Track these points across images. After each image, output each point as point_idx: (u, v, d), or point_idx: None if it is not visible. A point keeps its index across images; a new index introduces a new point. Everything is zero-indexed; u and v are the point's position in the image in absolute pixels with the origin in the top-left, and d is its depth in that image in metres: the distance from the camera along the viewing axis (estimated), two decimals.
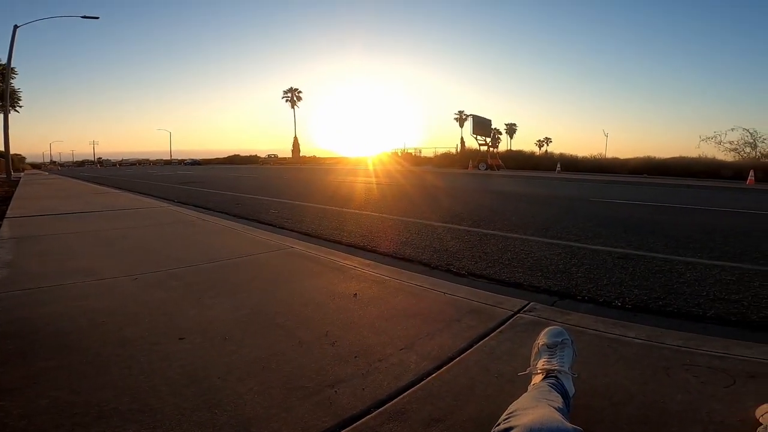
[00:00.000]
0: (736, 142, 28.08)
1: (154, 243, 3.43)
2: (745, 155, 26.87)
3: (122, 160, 63.63)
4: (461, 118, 60.56)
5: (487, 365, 1.37)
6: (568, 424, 0.65)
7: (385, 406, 1.16)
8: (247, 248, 3.13)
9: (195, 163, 57.50)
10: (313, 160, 55.09)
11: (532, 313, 1.81)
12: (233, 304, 1.93)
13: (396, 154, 38.98)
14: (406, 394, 1.22)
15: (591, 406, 1.13)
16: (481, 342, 1.55)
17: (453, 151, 35.46)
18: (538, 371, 1.10)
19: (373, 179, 13.63)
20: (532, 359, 1.20)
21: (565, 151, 42.17)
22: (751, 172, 16.97)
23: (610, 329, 1.64)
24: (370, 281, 2.30)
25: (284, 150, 62.93)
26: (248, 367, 1.36)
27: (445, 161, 32.51)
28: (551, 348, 1.16)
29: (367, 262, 2.75)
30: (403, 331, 1.66)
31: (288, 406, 1.16)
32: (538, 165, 28.18)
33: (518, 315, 1.78)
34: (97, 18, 18.09)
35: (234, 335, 1.60)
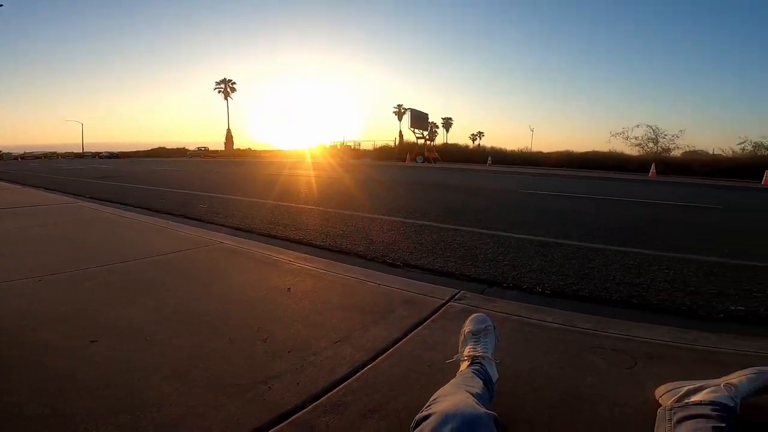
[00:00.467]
0: (640, 138, 31.60)
1: (64, 242, 3.10)
2: (648, 150, 30.33)
3: (25, 153, 56.11)
4: (400, 112, 61.30)
5: (420, 354, 1.41)
6: (482, 409, 0.68)
7: (320, 400, 1.16)
8: (173, 245, 2.93)
9: (112, 156, 51.94)
10: (248, 153, 52.80)
11: (462, 302, 1.89)
12: (156, 304, 1.81)
13: (335, 146, 38.61)
14: (341, 386, 1.23)
15: (515, 392, 1.19)
16: (414, 332, 1.59)
17: (391, 144, 35.96)
18: (464, 358, 1.15)
19: (311, 172, 13.35)
20: (459, 347, 1.25)
21: (496, 144, 44.77)
22: (653, 166, 19.19)
23: (532, 315, 1.76)
24: (304, 275, 2.27)
25: (217, 143, 59.60)
26: (174, 368, 1.29)
27: (383, 154, 32.92)
28: (476, 335, 1.21)
29: (303, 255, 2.71)
30: (338, 323, 1.66)
31: (218, 404, 1.12)
32: (472, 158, 29.57)
33: (449, 304, 1.86)
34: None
35: (157, 335, 1.50)
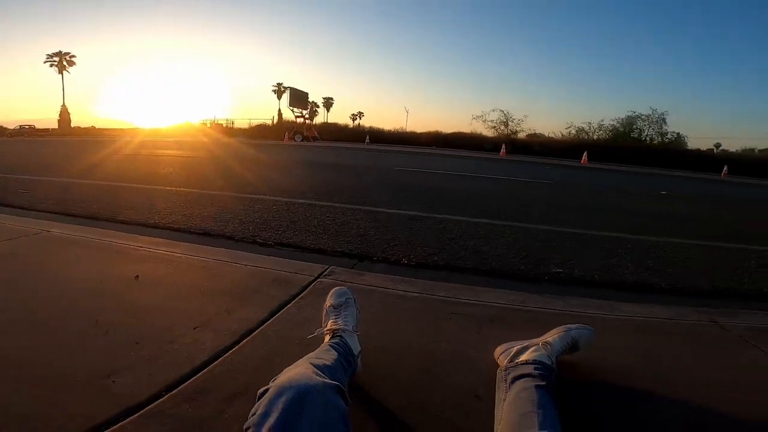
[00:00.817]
0: (495, 121, 35.97)
1: None
2: (501, 132, 34.72)
3: None
4: (279, 91, 58.13)
5: (287, 333, 1.39)
6: (319, 380, 0.68)
7: (179, 388, 1.08)
8: None
9: None
10: (92, 132, 43.95)
11: (331, 277, 1.91)
12: None
13: (204, 125, 34.89)
14: (202, 373, 1.15)
15: (380, 363, 1.25)
16: (282, 311, 1.56)
17: (269, 122, 34.11)
18: (326, 332, 1.16)
19: (174, 151, 11.77)
20: (322, 321, 1.25)
21: (375, 124, 46.09)
22: (503, 146, 22.07)
23: (396, 286, 1.86)
24: (157, 261, 2.03)
25: (50, 120, 48.17)
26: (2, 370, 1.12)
27: (260, 133, 30.97)
28: (336, 308, 1.22)
29: (157, 240, 2.41)
30: (197, 309, 1.53)
31: (55, 402, 1.00)
32: (351, 137, 29.99)
33: (318, 280, 1.86)
34: None
35: None
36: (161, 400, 1.03)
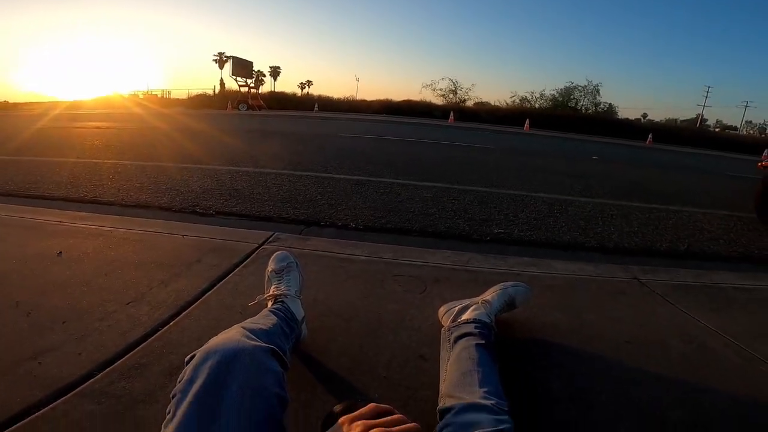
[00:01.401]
0: (444, 90, 36.23)
1: None
2: (449, 100, 35.07)
3: None
4: (221, 60, 53.69)
5: (230, 303, 1.33)
6: (250, 342, 0.63)
7: (113, 366, 1.01)
8: None
9: None
10: (6, 106, 37.94)
11: (276, 244, 1.84)
12: None
13: (136, 96, 31.68)
14: (139, 348, 1.08)
15: (327, 326, 1.24)
16: (224, 280, 1.49)
17: (210, 92, 31.71)
18: (267, 298, 1.11)
19: (101, 123, 10.46)
20: (265, 288, 1.21)
21: (324, 93, 44.49)
22: (452, 113, 22.30)
23: (343, 250, 1.84)
24: (83, 235, 1.85)
25: None
26: None
27: (200, 103, 28.68)
28: (278, 273, 1.18)
29: (82, 215, 2.19)
30: (130, 283, 1.42)
31: None
32: (300, 105, 28.77)
33: (262, 247, 1.79)
34: None
35: None
36: (95, 378, 0.96)
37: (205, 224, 2.18)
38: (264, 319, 0.90)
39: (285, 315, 0.98)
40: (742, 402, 0.99)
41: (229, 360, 0.59)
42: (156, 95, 32.59)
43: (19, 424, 0.82)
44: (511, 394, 0.89)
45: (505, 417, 0.76)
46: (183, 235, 1.89)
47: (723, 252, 2.43)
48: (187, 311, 1.27)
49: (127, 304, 1.29)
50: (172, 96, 32.70)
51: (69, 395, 0.91)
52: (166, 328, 1.18)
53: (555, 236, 2.47)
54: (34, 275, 1.46)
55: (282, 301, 1.06)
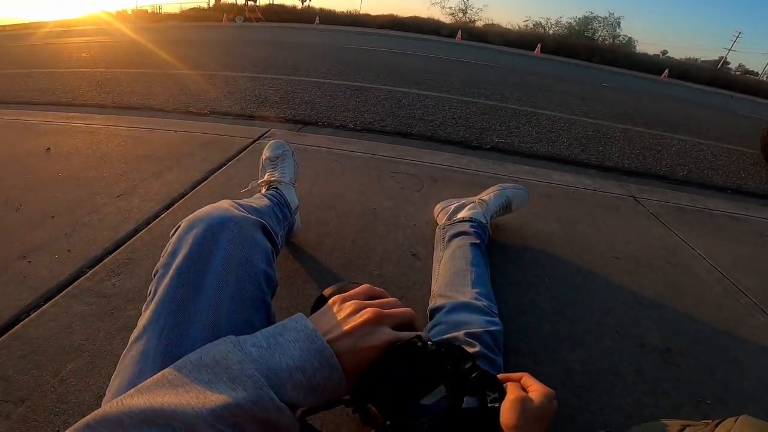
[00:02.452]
0: (453, 8, 33.41)
1: None
2: (458, 19, 32.46)
3: None
4: None
5: (224, 194, 1.26)
6: (237, 212, 0.55)
7: (102, 262, 0.96)
8: None
9: None
10: None
11: (271, 138, 1.73)
12: None
13: (125, 12, 28.55)
14: (129, 243, 1.03)
15: (321, 220, 1.19)
16: (219, 171, 1.41)
17: (204, 5, 28.71)
18: (261, 184, 1.03)
19: (90, 37, 9.49)
20: (258, 176, 1.12)
21: (325, 6, 40.69)
22: (459, 32, 20.64)
23: (341, 146, 1.74)
24: (72, 132, 1.72)
25: None
26: None
27: (194, 17, 26.13)
28: (273, 161, 1.09)
29: (71, 114, 2.02)
30: (119, 176, 1.34)
31: None
32: (300, 18, 26.41)
33: (258, 141, 1.68)
34: None
35: None
36: (84, 276, 0.91)
37: (197, 122, 2.04)
38: (256, 200, 0.82)
39: (278, 200, 0.90)
40: (719, 334, 0.98)
41: (215, 229, 0.51)
42: (146, 10, 29.51)
43: (8, 333, 0.77)
44: (500, 299, 0.86)
45: (496, 319, 0.74)
46: (175, 131, 1.77)
47: (720, 182, 2.35)
48: (179, 203, 1.21)
49: (117, 197, 1.22)
50: (164, 11, 29.68)
51: (58, 297, 0.86)
52: (157, 220, 1.12)
53: (555, 150, 2.36)
54: (23, 171, 1.37)
55: (276, 188, 0.98)
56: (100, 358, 0.72)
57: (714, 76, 21.67)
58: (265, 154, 1.13)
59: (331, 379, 0.35)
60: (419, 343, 0.38)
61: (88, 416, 0.29)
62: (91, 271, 0.93)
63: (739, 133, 4.24)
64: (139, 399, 0.31)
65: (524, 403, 0.50)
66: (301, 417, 0.39)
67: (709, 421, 0.61)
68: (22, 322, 0.79)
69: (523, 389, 0.53)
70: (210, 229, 0.50)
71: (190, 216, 0.54)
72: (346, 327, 0.37)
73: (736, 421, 0.57)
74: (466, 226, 1.00)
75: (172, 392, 0.31)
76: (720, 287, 1.16)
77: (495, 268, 1.00)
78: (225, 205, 0.58)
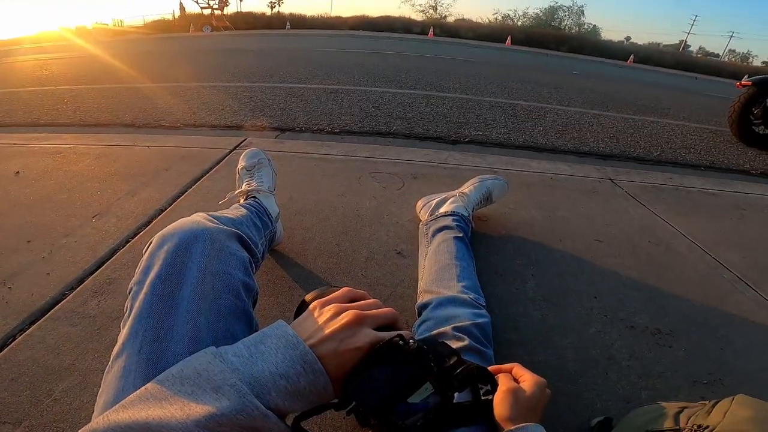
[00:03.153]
0: (424, 5, 33.59)
1: None
2: (429, 15, 32.66)
3: None
4: None
5: (203, 207, 1.21)
6: (210, 224, 0.54)
7: (84, 284, 0.93)
8: None
9: None
10: None
11: (248, 148, 1.71)
12: None
13: (84, 28, 27.66)
14: (109, 262, 1.00)
15: (303, 225, 1.17)
16: (196, 185, 1.37)
17: (169, 17, 28.07)
18: (239, 195, 1.01)
19: (48, 54, 9.13)
20: (236, 186, 1.10)
21: (295, 11, 40.44)
22: (431, 28, 20.77)
23: (319, 150, 1.72)
24: (41, 154, 1.65)
25: None
26: None
27: (159, 29, 25.55)
28: (249, 170, 1.07)
29: (38, 135, 1.95)
30: (95, 197, 1.30)
31: None
32: (270, 24, 26.12)
33: (234, 151, 1.65)
34: None
35: None
36: (67, 299, 0.89)
37: (171, 135, 1.99)
38: (232, 211, 0.80)
39: (257, 210, 0.88)
40: (707, 311, 0.99)
41: (188, 242, 0.49)
42: (106, 26, 28.62)
43: None
44: (487, 290, 0.86)
45: (483, 311, 0.73)
46: (148, 146, 1.72)
47: (693, 160, 2.41)
48: (156, 219, 1.18)
49: (93, 217, 1.19)
50: (126, 25, 28.83)
51: (42, 320, 0.84)
52: (136, 238, 1.09)
53: (532, 139, 2.39)
54: None
55: (254, 197, 0.95)
56: (91, 377, 0.71)
57: (677, 60, 22.43)
58: (241, 163, 1.10)
59: (316, 383, 0.34)
60: (401, 342, 0.38)
61: None
62: (73, 293, 0.91)
63: (707, 113, 4.37)
64: (124, 414, 0.30)
65: (516, 393, 0.50)
66: (295, 423, 0.38)
67: (706, 402, 0.61)
68: (9, 346, 0.78)
69: (515, 380, 0.54)
70: (183, 243, 0.49)
71: (161, 231, 0.52)
72: (328, 331, 0.37)
73: (732, 401, 0.58)
74: (448, 221, 1.00)
75: (156, 406, 0.30)
76: (703, 263, 1.18)
77: (480, 259, 1.00)
78: (197, 218, 0.57)
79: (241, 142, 1.75)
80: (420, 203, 1.18)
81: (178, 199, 1.29)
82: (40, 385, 0.70)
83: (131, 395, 0.32)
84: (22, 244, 1.07)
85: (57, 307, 0.87)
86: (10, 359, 0.75)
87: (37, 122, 2.47)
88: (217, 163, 1.54)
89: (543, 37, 23.42)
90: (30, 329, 0.81)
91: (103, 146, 1.75)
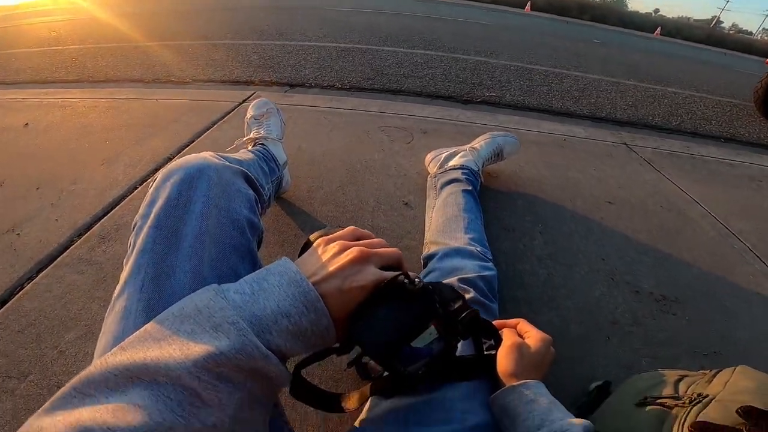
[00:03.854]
0: None
1: None
2: None
3: None
4: None
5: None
6: (217, 161, 0.50)
7: (92, 230, 0.93)
8: None
9: None
10: None
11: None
12: None
13: None
14: (117, 208, 0.99)
15: (311, 175, 1.15)
16: (204, 135, 1.35)
17: None
18: (246, 142, 0.98)
19: (56, 17, 8.92)
20: (244, 134, 1.09)
21: None
22: None
23: (329, 104, 1.68)
24: (50, 108, 1.63)
25: None
26: None
27: None
28: (258, 119, 1.04)
29: (47, 90, 1.91)
30: (102, 146, 1.29)
31: None
32: None
33: (243, 104, 1.60)
34: None
35: None
36: (74, 245, 0.89)
37: (180, 89, 1.95)
38: (240, 154, 0.78)
39: (264, 155, 0.86)
40: (714, 280, 0.96)
41: (193, 176, 0.46)
42: None
43: (5, 308, 0.75)
44: (494, 246, 0.84)
45: (490, 264, 0.71)
46: (156, 99, 1.68)
47: (714, 131, 2.30)
48: (165, 167, 1.17)
49: (101, 164, 1.18)
50: None
51: (50, 267, 0.84)
52: (144, 185, 1.08)
53: (547, 103, 2.29)
54: (2, 147, 1.31)
55: (262, 144, 0.93)
56: (97, 327, 0.70)
57: (707, 34, 21.09)
58: (250, 113, 1.08)
59: (319, 323, 0.32)
60: (405, 280, 0.35)
61: (74, 378, 0.27)
62: (81, 239, 0.90)
63: (732, 87, 4.14)
64: (122, 356, 0.28)
65: (521, 349, 0.48)
66: (295, 371, 0.36)
67: (707, 372, 0.60)
68: (17, 296, 0.77)
69: (520, 336, 0.52)
70: (188, 178, 0.46)
71: (167, 166, 0.50)
72: (332, 268, 0.34)
73: (734, 371, 0.57)
74: (457, 174, 0.97)
75: (155, 346, 0.28)
76: (714, 231, 1.14)
77: (488, 214, 0.98)
78: (204, 155, 0.54)
79: (250, 96, 1.70)
80: (429, 156, 1.15)
81: (186, 147, 1.27)
82: (46, 337, 0.69)
83: (131, 336, 0.30)
84: (31, 191, 1.07)
85: (65, 254, 0.87)
86: (18, 310, 0.75)
87: (46, 80, 2.42)
88: (226, 115, 1.50)
89: (565, 3, 22.17)
90: (37, 277, 0.81)
91: (111, 99, 1.71)
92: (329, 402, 0.43)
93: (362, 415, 0.49)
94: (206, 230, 0.44)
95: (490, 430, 0.45)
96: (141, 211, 0.46)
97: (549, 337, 0.51)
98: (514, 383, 0.45)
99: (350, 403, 0.44)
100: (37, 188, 1.08)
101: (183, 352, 0.27)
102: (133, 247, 0.43)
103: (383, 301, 0.34)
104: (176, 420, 0.25)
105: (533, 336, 0.50)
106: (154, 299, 0.38)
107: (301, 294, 0.31)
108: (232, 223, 0.47)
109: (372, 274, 0.35)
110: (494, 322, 0.54)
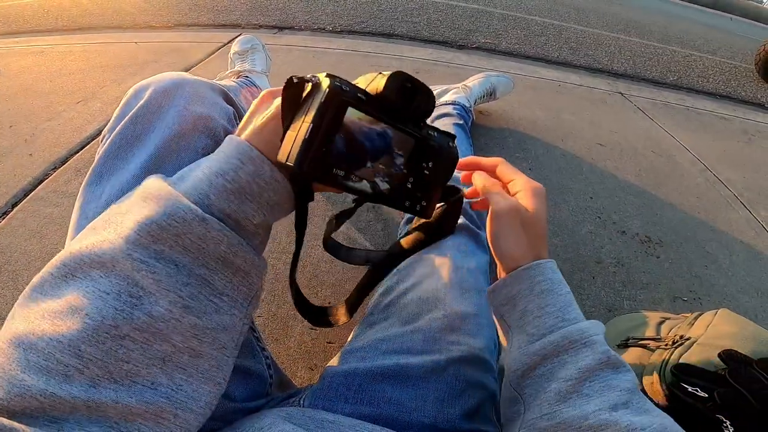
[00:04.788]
0: None
1: None
2: None
3: None
4: None
5: None
6: (194, 78, 0.43)
7: (67, 163, 0.89)
8: None
9: None
10: None
11: None
12: None
13: None
14: (94, 142, 0.96)
15: None
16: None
17: None
18: (230, 74, 0.92)
19: None
20: (228, 69, 1.02)
21: None
22: None
23: (318, 44, 1.60)
24: (22, 54, 1.51)
25: None
26: None
27: None
28: (242, 54, 0.98)
29: (19, 39, 1.76)
30: (78, 85, 1.21)
31: None
32: None
33: (228, 45, 1.50)
34: None
35: None
36: (49, 179, 0.85)
37: (162, 32, 1.82)
38: (222, 82, 0.74)
39: (248, 85, 0.82)
40: (698, 225, 0.95)
41: (169, 88, 0.41)
42: None
43: None
44: None
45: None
46: (136, 42, 1.57)
47: (710, 88, 2.21)
48: None
49: (77, 102, 1.11)
50: None
51: (24, 201, 0.80)
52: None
53: (543, 52, 2.19)
54: None
55: (246, 76, 0.88)
56: None
57: (715, 0, 20.07)
58: (234, 48, 1.02)
59: (261, 174, 0.27)
60: (295, 80, 0.27)
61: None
62: (56, 172, 0.87)
63: (734, 50, 3.99)
64: (61, 253, 0.25)
65: (521, 215, 0.34)
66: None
67: (688, 314, 0.60)
68: None
69: (504, 187, 0.38)
70: (162, 89, 0.41)
71: (139, 82, 0.44)
72: (247, 115, 0.30)
73: (715, 314, 0.56)
74: (449, 108, 0.93)
75: (92, 235, 0.26)
76: (702, 178, 1.12)
77: (479, 149, 0.94)
78: (180, 72, 0.49)
79: (236, 37, 1.60)
80: None
81: None
82: (24, 275, 0.67)
83: (75, 237, 0.27)
84: (4, 129, 1.01)
85: (40, 186, 0.83)
86: None
87: (17, 30, 2.25)
88: (209, 55, 1.42)
89: None
90: (12, 212, 0.78)
91: (87, 44, 1.59)
92: (317, 315, 0.41)
93: (346, 346, 0.48)
94: (178, 133, 0.39)
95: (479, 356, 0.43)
96: (110, 124, 0.41)
97: (542, 186, 0.37)
98: (524, 264, 0.34)
99: (338, 316, 0.42)
100: (10, 126, 1.02)
101: (117, 233, 0.24)
102: (98, 155, 0.39)
103: (291, 113, 0.27)
104: (117, 315, 0.22)
105: (525, 188, 0.36)
106: (113, 200, 0.35)
107: (232, 149, 0.27)
108: (208, 130, 0.42)
109: (277, 101, 0.29)
110: (463, 160, 0.39)
